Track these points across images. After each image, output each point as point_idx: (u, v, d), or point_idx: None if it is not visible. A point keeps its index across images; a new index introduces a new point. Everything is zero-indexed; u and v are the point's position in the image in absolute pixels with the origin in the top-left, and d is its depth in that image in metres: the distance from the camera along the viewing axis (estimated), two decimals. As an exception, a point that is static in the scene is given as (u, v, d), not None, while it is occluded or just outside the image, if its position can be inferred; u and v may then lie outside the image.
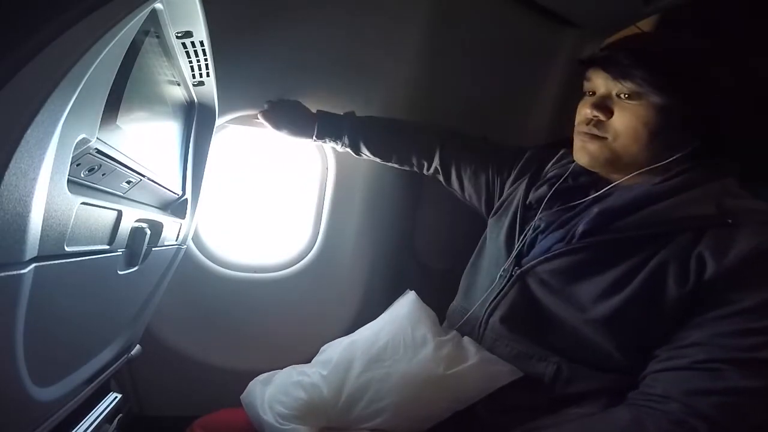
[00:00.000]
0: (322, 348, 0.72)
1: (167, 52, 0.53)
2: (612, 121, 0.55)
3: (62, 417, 0.51)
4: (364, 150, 0.86)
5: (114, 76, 0.36)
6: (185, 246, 0.79)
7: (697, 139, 0.54)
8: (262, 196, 1.10)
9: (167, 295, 0.80)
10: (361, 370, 0.61)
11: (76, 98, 0.31)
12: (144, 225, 0.55)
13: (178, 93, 0.63)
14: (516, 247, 0.65)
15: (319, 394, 0.61)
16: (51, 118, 0.29)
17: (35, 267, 0.32)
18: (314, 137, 0.85)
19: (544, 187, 0.67)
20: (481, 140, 0.86)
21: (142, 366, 0.92)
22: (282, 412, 0.60)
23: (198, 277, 0.97)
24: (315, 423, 0.58)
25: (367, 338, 0.67)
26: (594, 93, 0.58)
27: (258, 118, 0.88)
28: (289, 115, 0.86)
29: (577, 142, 0.60)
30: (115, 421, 0.68)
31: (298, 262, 1.04)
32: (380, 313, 0.75)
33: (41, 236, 0.31)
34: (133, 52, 0.41)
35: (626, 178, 0.58)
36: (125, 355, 0.71)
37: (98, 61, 0.32)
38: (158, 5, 0.42)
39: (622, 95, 0.54)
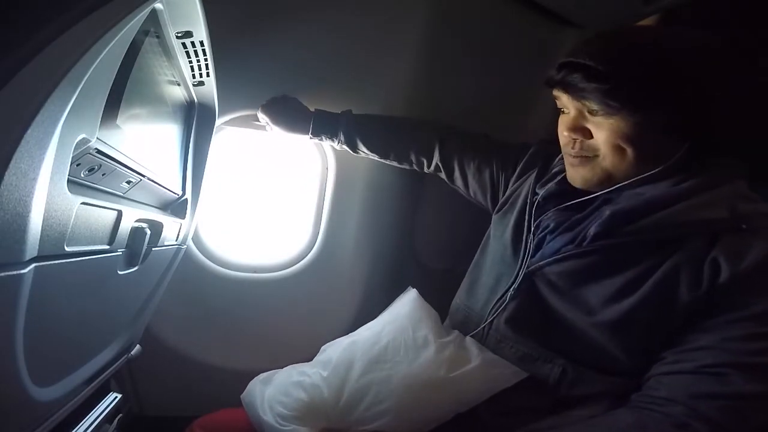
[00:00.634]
0: (322, 348, 0.72)
1: (167, 52, 0.53)
2: (594, 141, 0.54)
3: (62, 417, 0.51)
4: (362, 147, 0.86)
5: (114, 76, 0.36)
6: (185, 246, 0.79)
7: (688, 141, 0.53)
8: (262, 196, 1.10)
9: (167, 295, 0.80)
10: (362, 372, 0.61)
11: (76, 98, 0.31)
12: (144, 225, 0.55)
13: (178, 93, 0.63)
14: (524, 246, 0.64)
15: (320, 395, 0.61)
16: (51, 118, 0.29)
17: (35, 267, 0.32)
18: (310, 134, 0.85)
19: (551, 184, 0.65)
20: (483, 137, 0.85)
21: (142, 366, 0.92)
22: (282, 413, 0.59)
23: (198, 277, 0.97)
24: (315, 424, 0.58)
25: (367, 338, 0.67)
26: (566, 110, 0.57)
27: (257, 118, 0.88)
28: (286, 111, 0.86)
29: (568, 166, 0.60)
30: (115, 421, 0.68)
31: (298, 262, 1.04)
32: (380, 313, 0.75)
33: (41, 236, 0.31)
34: (133, 52, 0.41)
35: (633, 180, 0.56)
36: (125, 355, 0.71)
37: (98, 61, 0.32)
38: (158, 5, 0.42)
39: (592, 112, 0.53)
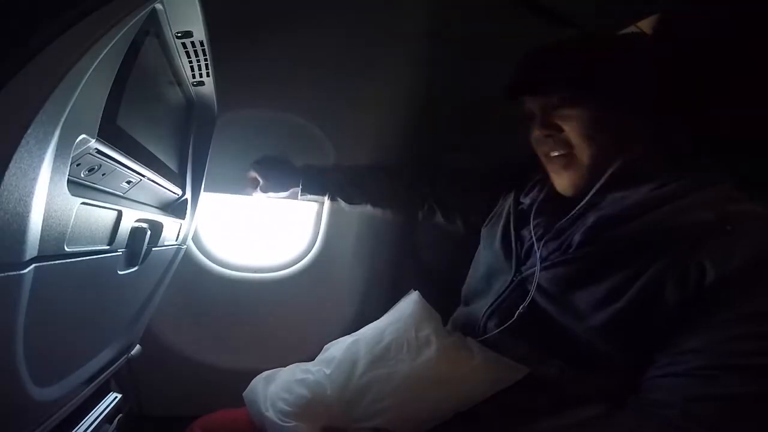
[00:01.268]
0: (325, 347, 0.72)
1: (167, 52, 0.53)
2: (565, 134, 0.56)
3: (62, 417, 0.51)
4: (355, 202, 0.88)
5: (114, 76, 0.36)
6: (185, 246, 0.79)
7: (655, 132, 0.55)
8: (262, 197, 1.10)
9: (167, 295, 0.80)
10: (365, 369, 0.61)
11: (76, 98, 0.31)
12: (144, 225, 0.55)
13: (177, 93, 0.63)
14: (514, 255, 0.64)
15: (322, 392, 0.61)
16: (51, 118, 0.29)
17: (35, 267, 0.32)
18: (299, 195, 0.86)
19: (535, 190, 0.67)
20: (469, 170, 0.86)
21: (142, 366, 0.93)
22: (284, 410, 0.60)
23: (198, 277, 0.97)
24: (317, 421, 0.58)
25: (370, 337, 0.67)
26: (533, 115, 0.59)
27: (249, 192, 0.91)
28: (276, 169, 0.87)
29: (553, 175, 0.61)
30: (115, 421, 0.68)
31: (298, 262, 1.04)
32: (380, 313, 0.75)
33: (41, 236, 0.31)
34: (133, 52, 0.41)
35: (613, 175, 0.57)
36: (125, 355, 0.71)
37: (98, 61, 0.32)
38: (158, 5, 0.42)
39: (558, 107, 0.56)
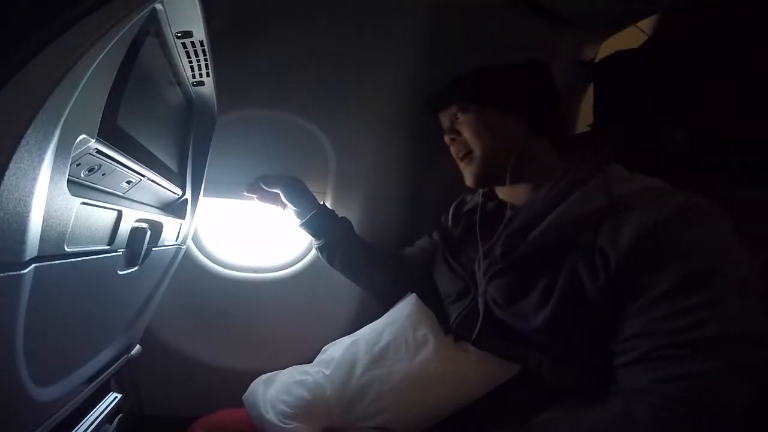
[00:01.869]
0: (324, 348, 0.73)
1: (167, 52, 0.53)
2: (464, 137, 0.70)
3: (62, 417, 0.51)
4: (336, 265, 0.89)
5: (114, 76, 0.36)
6: (185, 246, 0.79)
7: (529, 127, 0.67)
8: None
9: (167, 295, 0.80)
10: (364, 370, 0.62)
11: (76, 98, 0.31)
12: (144, 225, 0.55)
13: (178, 93, 0.63)
14: (461, 277, 0.71)
15: (322, 393, 0.61)
16: (51, 118, 0.29)
17: (35, 267, 0.32)
18: (301, 224, 0.87)
19: (462, 223, 0.79)
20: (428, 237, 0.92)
21: (142, 366, 0.92)
22: (285, 411, 0.60)
23: (198, 277, 0.97)
24: (317, 422, 0.58)
25: (369, 338, 0.67)
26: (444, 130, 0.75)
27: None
28: (299, 201, 0.87)
29: (464, 173, 0.73)
30: (115, 421, 0.68)
31: (299, 262, 1.04)
32: (380, 313, 0.75)
33: (41, 236, 0.31)
34: (133, 52, 0.41)
35: (525, 191, 0.67)
36: (125, 355, 0.71)
37: (98, 61, 0.32)
38: (158, 5, 0.42)
39: (456, 116, 0.73)
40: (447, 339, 0.66)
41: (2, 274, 0.29)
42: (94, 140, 0.35)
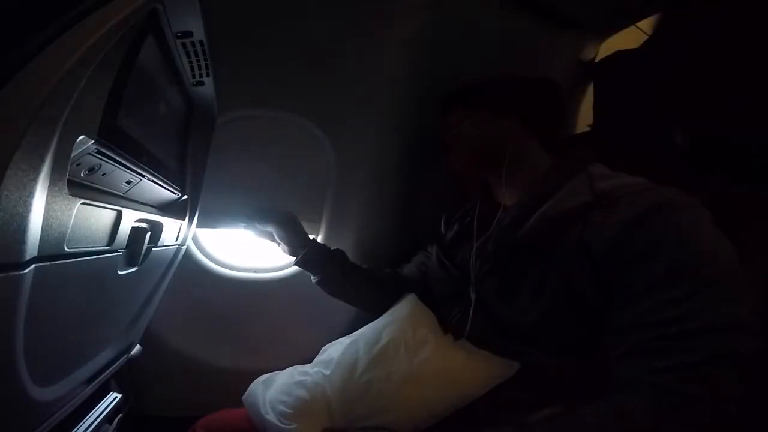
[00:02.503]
0: (323, 348, 0.73)
1: (167, 52, 0.53)
2: (456, 131, 0.75)
3: (62, 417, 0.51)
4: (337, 296, 0.89)
5: (114, 76, 0.36)
6: (185, 246, 0.79)
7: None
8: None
9: (167, 295, 0.80)
10: (363, 370, 0.62)
11: (76, 98, 0.31)
12: (144, 225, 0.55)
13: (177, 93, 0.63)
14: (454, 276, 0.72)
15: (322, 394, 0.61)
16: (51, 118, 0.29)
17: (35, 267, 0.32)
18: (295, 263, 0.86)
19: (456, 226, 0.80)
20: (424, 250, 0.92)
21: (142, 366, 0.92)
22: (285, 412, 0.60)
23: (198, 277, 0.97)
24: (317, 422, 0.58)
25: (368, 338, 0.67)
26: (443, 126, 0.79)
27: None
28: (290, 238, 0.86)
29: (450, 161, 0.77)
30: (115, 421, 0.68)
31: (298, 262, 1.04)
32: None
33: (41, 236, 0.31)
34: (133, 52, 0.41)
35: (518, 192, 0.69)
36: (125, 355, 0.71)
37: (98, 61, 0.32)
38: (158, 5, 0.42)
39: (453, 120, 0.76)
40: (446, 339, 0.66)
41: (2, 274, 0.29)
42: (94, 140, 0.35)
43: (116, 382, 0.76)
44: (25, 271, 0.31)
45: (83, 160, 0.37)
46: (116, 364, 0.66)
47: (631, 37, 1.06)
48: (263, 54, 0.86)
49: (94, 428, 0.60)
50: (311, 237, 0.90)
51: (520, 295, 0.59)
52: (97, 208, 0.41)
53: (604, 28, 0.98)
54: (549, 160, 0.69)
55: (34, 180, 0.29)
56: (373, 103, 0.93)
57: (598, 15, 0.93)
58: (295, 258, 0.86)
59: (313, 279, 0.88)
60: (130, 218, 0.50)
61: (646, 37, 0.99)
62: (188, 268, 0.94)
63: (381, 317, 0.73)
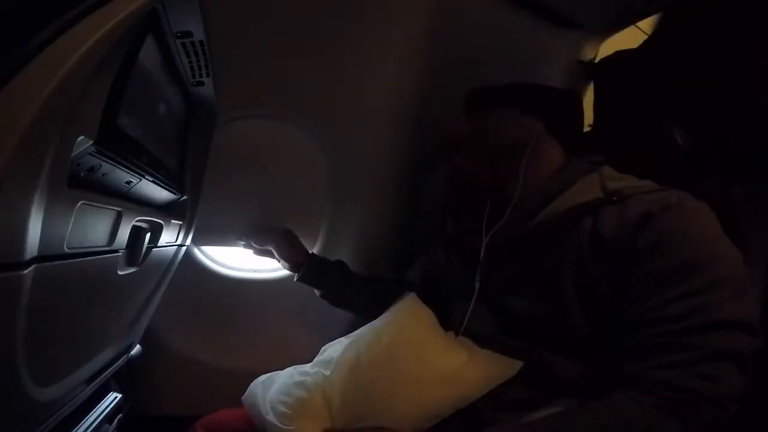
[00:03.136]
0: (322, 348, 0.72)
1: (167, 52, 0.53)
2: (473, 127, 0.76)
3: (62, 417, 0.51)
4: (343, 307, 0.90)
5: (114, 76, 0.36)
6: (185, 246, 0.79)
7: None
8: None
9: (167, 295, 0.80)
10: (364, 370, 0.61)
11: (76, 98, 0.31)
12: (144, 225, 0.55)
13: (177, 93, 0.63)
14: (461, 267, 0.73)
15: (322, 394, 0.61)
16: (51, 118, 0.29)
17: (35, 267, 0.32)
18: (296, 279, 0.88)
19: (462, 223, 0.80)
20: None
21: (142, 366, 0.92)
22: (284, 412, 0.59)
23: (198, 277, 0.97)
24: (317, 423, 0.58)
25: (368, 338, 0.67)
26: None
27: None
28: (288, 255, 0.89)
29: (462, 153, 0.77)
30: (115, 421, 0.68)
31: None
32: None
33: (41, 236, 0.31)
34: (133, 52, 0.41)
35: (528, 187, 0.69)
36: (125, 355, 0.71)
37: (98, 61, 0.32)
38: (158, 5, 0.42)
39: (474, 120, 0.77)
40: (447, 337, 0.66)
41: (2, 274, 0.29)
42: (94, 140, 0.35)
43: (116, 382, 0.76)
44: (25, 271, 0.31)
45: (83, 160, 0.37)
46: (116, 364, 0.67)
47: (631, 37, 1.06)
48: (263, 55, 0.86)
49: (94, 428, 0.60)
50: (312, 251, 0.91)
51: (528, 286, 0.61)
52: (97, 208, 0.41)
53: (604, 28, 0.98)
54: (564, 159, 0.71)
55: (34, 180, 0.29)
56: (372, 104, 0.93)
57: (598, 15, 0.93)
58: (296, 274, 0.88)
59: (317, 293, 0.90)
60: (130, 218, 0.50)
61: (646, 37, 0.99)
62: (188, 268, 0.94)
63: (381, 317, 0.73)
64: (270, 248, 0.89)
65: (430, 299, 0.75)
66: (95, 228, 0.42)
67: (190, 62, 0.59)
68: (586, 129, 1.16)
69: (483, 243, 0.70)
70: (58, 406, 0.49)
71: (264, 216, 0.98)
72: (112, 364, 0.65)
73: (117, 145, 0.41)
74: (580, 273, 0.56)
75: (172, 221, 0.67)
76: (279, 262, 0.90)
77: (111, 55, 0.34)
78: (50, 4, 0.31)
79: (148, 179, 0.52)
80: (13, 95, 0.28)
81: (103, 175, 0.42)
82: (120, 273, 0.52)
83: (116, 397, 0.69)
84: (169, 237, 0.66)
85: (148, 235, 0.55)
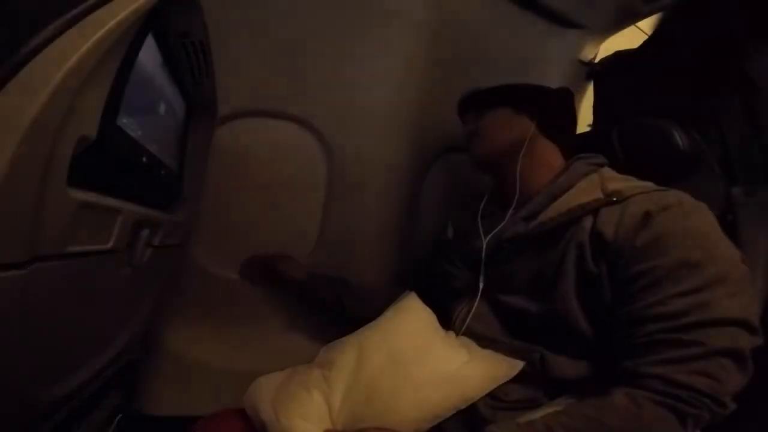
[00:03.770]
0: (323, 348, 0.72)
1: (167, 52, 0.53)
2: (479, 128, 0.77)
3: (62, 417, 0.51)
4: (347, 322, 0.89)
5: (114, 76, 0.36)
6: (185, 246, 0.79)
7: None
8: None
9: (167, 295, 0.80)
10: (364, 371, 0.61)
11: (76, 98, 0.31)
12: (144, 225, 0.55)
13: (177, 93, 0.63)
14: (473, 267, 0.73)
15: (323, 395, 0.61)
16: (51, 118, 0.29)
17: (35, 267, 0.32)
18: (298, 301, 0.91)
19: (462, 224, 0.81)
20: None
21: (142, 366, 0.92)
22: (285, 413, 0.59)
23: (198, 277, 0.97)
24: (318, 423, 0.58)
25: (368, 338, 0.67)
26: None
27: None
28: (279, 282, 0.93)
29: (469, 152, 0.79)
30: (115, 421, 0.68)
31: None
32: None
33: (41, 236, 0.31)
34: (133, 52, 0.41)
35: (532, 186, 0.71)
36: (125, 355, 0.71)
37: (98, 61, 0.32)
38: (158, 5, 0.42)
39: (476, 117, 0.79)
40: (449, 338, 0.66)
41: (2, 274, 0.29)
42: (93, 140, 0.35)
43: (116, 382, 0.76)
44: (25, 271, 0.31)
45: (83, 160, 0.37)
46: (116, 364, 0.66)
47: (631, 37, 1.06)
48: (263, 55, 0.86)
49: (94, 428, 0.60)
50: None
51: (529, 286, 0.62)
52: (97, 208, 0.41)
53: (604, 28, 0.98)
54: (562, 160, 0.73)
55: (34, 179, 0.29)
56: (372, 105, 0.93)
57: (598, 15, 0.93)
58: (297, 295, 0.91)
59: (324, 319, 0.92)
60: (130, 218, 0.49)
61: (646, 37, 0.99)
62: (188, 268, 0.94)
63: (381, 317, 0.73)
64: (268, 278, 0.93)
65: (430, 300, 0.75)
66: (95, 228, 0.42)
67: (190, 62, 0.59)
68: (586, 129, 1.17)
69: (484, 244, 0.71)
70: (58, 406, 0.49)
71: (264, 216, 0.98)
72: (112, 364, 0.65)
73: (117, 144, 0.41)
74: (580, 272, 0.56)
75: (173, 221, 0.67)
76: (281, 280, 0.92)
77: (111, 55, 0.34)
78: (50, 4, 0.31)
79: (148, 179, 0.52)
80: (13, 95, 0.28)
81: (103, 175, 0.42)
82: (120, 273, 0.52)
83: (116, 397, 0.69)
84: (169, 237, 0.66)
85: (147, 235, 0.55)
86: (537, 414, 0.54)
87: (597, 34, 1.02)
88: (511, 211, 0.72)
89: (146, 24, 0.42)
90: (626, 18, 0.96)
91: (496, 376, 0.58)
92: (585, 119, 1.20)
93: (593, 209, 0.58)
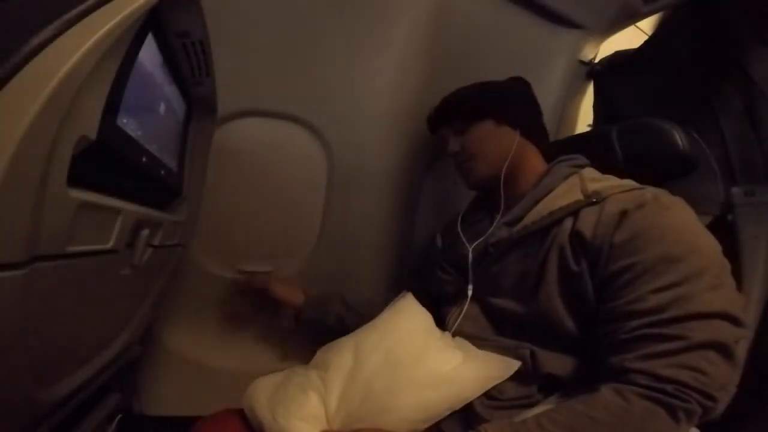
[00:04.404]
0: (320, 350, 0.72)
1: (167, 52, 0.53)
2: (468, 145, 0.76)
3: (62, 417, 0.51)
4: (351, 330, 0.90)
5: (114, 76, 0.36)
6: (185, 246, 0.79)
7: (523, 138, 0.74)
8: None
9: (167, 295, 0.80)
10: (361, 372, 0.61)
11: (75, 98, 0.31)
12: (144, 225, 0.55)
13: (177, 93, 0.63)
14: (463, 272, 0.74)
15: (319, 396, 0.61)
16: (51, 118, 0.29)
17: (35, 267, 0.32)
18: (299, 323, 0.91)
19: (452, 232, 0.81)
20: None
21: (142, 366, 0.92)
22: (282, 414, 0.59)
23: (198, 277, 0.97)
24: (315, 424, 0.58)
25: (365, 339, 0.67)
26: (447, 142, 0.80)
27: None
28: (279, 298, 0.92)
29: (464, 176, 0.79)
30: (115, 421, 0.68)
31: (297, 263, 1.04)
32: (379, 314, 0.75)
33: (41, 236, 0.31)
34: (133, 52, 0.41)
35: (517, 191, 0.72)
36: (125, 355, 0.71)
37: (98, 61, 0.32)
38: (158, 5, 0.42)
39: (462, 129, 0.78)
40: (444, 339, 0.66)
41: (2, 274, 0.29)
42: (93, 140, 0.35)
43: (116, 382, 0.76)
44: (25, 271, 0.31)
45: (83, 160, 0.37)
46: (116, 364, 0.66)
47: (631, 37, 1.06)
48: (263, 55, 0.86)
49: (94, 428, 0.60)
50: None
51: (515, 287, 0.63)
52: (97, 208, 0.41)
53: (604, 28, 0.98)
54: (543, 161, 0.74)
55: (34, 179, 0.29)
56: (372, 105, 0.93)
57: (598, 15, 0.93)
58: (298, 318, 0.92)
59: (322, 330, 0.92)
60: (130, 218, 0.49)
61: (646, 37, 0.99)
62: (188, 268, 0.94)
63: (378, 318, 0.73)
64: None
65: (427, 302, 0.75)
66: (95, 228, 0.42)
67: (190, 62, 0.59)
68: (586, 129, 1.17)
69: (470, 250, 0.73)
70: (58, 406, 0.49)
71: (264, 216, 0.98)
72: (112, 365, 0.65)
73: (117, 144, 0.41)
74: (563, 272, 0.58)
75: (173, 221, 0.67)
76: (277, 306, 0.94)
77: (111, 54, 0.34)
78: (50, 4, 0.31)
79: (148, 179, 0.52)
80: (13, 95, 0.28)
81: (103, 175, 0.42)
82: (120, 273, 0.52)
83: (116, 397, 0.69)
84: (169, 237, 0.66)
85: (147, 235, 0.55)
86: (530, 413, 0.55)
87: (597, 34, 1.02)
88: (498, 217, 0.73)
89: (146, 24, 0.43)
90: (626, 18, 0.96)
91: (491, 376, 0.59)
92: (585, 119, 1.20)
93: (574, 210, 0.59)
